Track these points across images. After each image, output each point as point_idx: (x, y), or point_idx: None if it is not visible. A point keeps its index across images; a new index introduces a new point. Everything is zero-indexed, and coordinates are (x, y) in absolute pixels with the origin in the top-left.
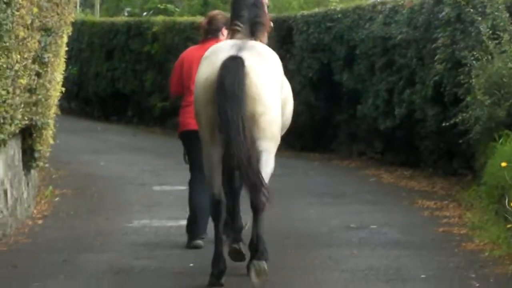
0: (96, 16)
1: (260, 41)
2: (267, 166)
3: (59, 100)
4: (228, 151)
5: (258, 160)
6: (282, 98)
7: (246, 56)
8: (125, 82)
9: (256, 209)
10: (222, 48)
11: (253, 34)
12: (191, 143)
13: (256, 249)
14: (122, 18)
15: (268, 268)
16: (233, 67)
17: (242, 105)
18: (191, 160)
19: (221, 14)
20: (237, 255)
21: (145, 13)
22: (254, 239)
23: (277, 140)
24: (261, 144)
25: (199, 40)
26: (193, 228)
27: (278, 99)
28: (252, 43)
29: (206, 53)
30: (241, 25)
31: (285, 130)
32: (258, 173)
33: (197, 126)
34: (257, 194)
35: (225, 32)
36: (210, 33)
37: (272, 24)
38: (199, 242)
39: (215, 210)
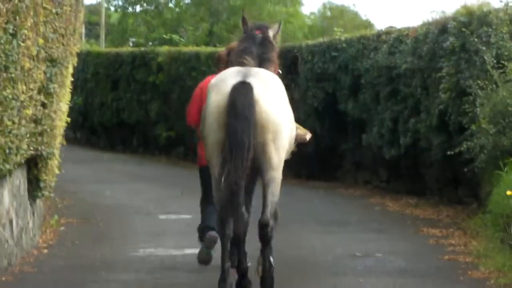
0: (101, 47)
1: None
2: (274, 196)
3: (64, 130)
4: (222, 170)
5: (248, 188)
6: (290, 125)
7: (253, 82)
8: (130, 112)
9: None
10: (229, 75)
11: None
12: (209, 177)
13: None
14: (127, 49)
15: None
16: (244, 91)
17: (251, 127)
18: (208, 192)
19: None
20: None
21: (150, 43)
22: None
23: (282, 167)
24: (267, 173)
25: (217, 70)
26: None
27: (286, 125)
28: (256, 69)
29: (213, 81)
30: (250, 60)
31: (288, 154)
32: (238, 204)
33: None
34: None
35: None
36: (229, 64)
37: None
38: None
39: (221, 227)
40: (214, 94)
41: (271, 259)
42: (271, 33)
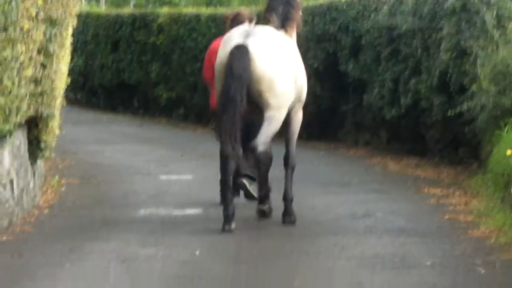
0: (102, 8)
1: (288, 33)
2: (266, 131)
3: (65, 91)
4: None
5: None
6: (292, 79)
7: (250, 42)
8: (131, 73)
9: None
10: (232, 36)
11: (283, 26)
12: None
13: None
14: (127, 10)
15: (274, 254)
16: (238, 55)
17: (245, 86)
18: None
19: (246, 11)
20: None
21: (151, 5)
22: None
23: (283, 110)
24: (266, 113)
25: (224, 31)
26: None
27: (284, 75)
28: (260, 28)
29: (224, 38)
30: (275, 17)
31: (300, 101)
32: (236, 144)
33: None
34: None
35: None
36: (234, 26)
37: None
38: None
39: (224, 163)
40: (221, 50)
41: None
42: None
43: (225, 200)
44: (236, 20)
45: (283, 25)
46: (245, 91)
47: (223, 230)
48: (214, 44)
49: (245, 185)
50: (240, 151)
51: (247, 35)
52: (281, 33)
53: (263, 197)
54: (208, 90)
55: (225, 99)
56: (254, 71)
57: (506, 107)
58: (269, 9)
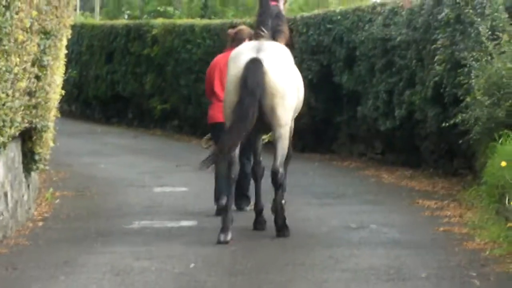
0: (96, 19)
1: None
2: (283, 149)
3: (59, 103)
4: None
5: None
6: (295, 90)
7: (263, 57)
8: (125, 85)
9: (276, 184)
10: (244, 50)
11: (274, 39)
12: (216, 132)
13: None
14: (121, 21)
15: (269, 266)
16: (254, 68)
17: (257, 100)
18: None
19: (247, 29)
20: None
21: (145, 16)
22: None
23: (290, 126)
24: (276, 131)
25: (228, 47)
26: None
27: (292, 90)
28: (268, 43)
29: (232, 55)
30: (265, 31)
31: (297, 113)
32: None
33: (222, 119)
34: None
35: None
36: (235, 42)
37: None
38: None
39: (229, 169)
40: (232, 66)
41: (283, 201)
42: (281, 1)
43: (226, 206)
44: (238, 36)
45: (274, 37)
46: (257, 105)
47: (219, 241)
48: (215, 60)
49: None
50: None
51: (259, 49)
52: (285, 47)
53: (261, 210)
54: (203, 102)
55: (239, 112)
56: (268, 85)
57: (501, 119)
58: (259, 23)
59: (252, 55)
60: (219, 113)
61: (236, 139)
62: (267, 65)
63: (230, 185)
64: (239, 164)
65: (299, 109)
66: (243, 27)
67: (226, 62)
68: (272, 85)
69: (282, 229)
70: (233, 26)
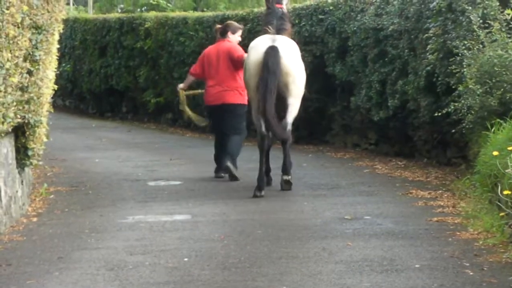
0: (89, 13)
1: None
2: (292, 113)
3: (53, 98)
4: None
5: (284, 111)
6: (303, 74)
7: (278, 45)
8: (119, 79)
9: (283, 142)
10: (262, 40)
11: (278, 34)
12: (211, 113)
13: (285, 167)
14: (114, 15)
15: (263, 259)
16: (273, 53)
17: (277, 78)
18: (211, 123)
19: (232, 24)
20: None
21: (138, 10)
22: (285, 161)
23: (300, 97)
24: (289, 100)
25: (216, 39)
26: (218, 164)
27: (301, 71)
28: (279, 36)
29: (252, 44)
30: (272, 29)
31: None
32: (276, 124)
33: (215, 103)
34: (281, 134)
35: (230, 35)
36: (222, 35)
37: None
38: (221, 174)
39: (261, 142)
40: (253, 53)
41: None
42: (285, 2)
43: (260, 173)
44: (224, 30)
45: (278, 34)
46: (276, 83)
47: (255, 195)
48: (208, 49)
49: (229, 167)
50: (276, 128)
51: (274, 40)
52: (292, 40)
53: (289, 169)
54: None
55: (264, 89)
56: (284, 66)
57: (493, 108)
58: (266, 22)
59: (270, 43)
60: (209, 97)
61: (269, 108)
62: (282, 52)
63: (262, 155)
64: (267, 139)
65: (303, 91)
66: (229, 22)
67: (216, 52)
68: (286, 67)
69: (287, 183)
70: (225, 18)
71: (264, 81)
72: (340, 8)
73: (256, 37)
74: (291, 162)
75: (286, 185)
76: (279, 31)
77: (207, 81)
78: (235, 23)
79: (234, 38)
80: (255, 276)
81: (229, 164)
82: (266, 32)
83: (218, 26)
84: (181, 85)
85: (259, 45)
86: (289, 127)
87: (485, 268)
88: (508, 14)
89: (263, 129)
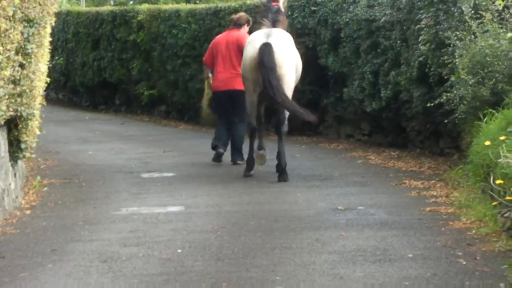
0: (82, 6)
1: None
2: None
3: (46, 91)
4: (265, 98)
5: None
6: (295, 63)
7: (272, 41)
8: (112, 71)
9: (278, 132)
10: (258, 36)
11: (274, 27)
12: (217, 99)
13: (279, 159)
14: (107, 7)
15: (256, 250)
16: (267, 50)
17: (275, 71)
18: (217, 108)
19: (245, 15)
20: (261, 159)
21: (131, 2)
22: (280, 152)
23: (292, 89)
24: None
25: (229, 27)
26: (216, 142)
27: (293, 65)
28: (275, 30)
29: (248, 39)
30: (267, 21)
31: (297, 82)
32: (292, 104)
33: (222, 89)
34: (308, 116)
35: (245, 27)
36: (236, 25)
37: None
38: (220, 150)
39: (251, 133)
40: (249, 48)
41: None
42: (281, 0)
43: (249, 156)
44: (239, 20)
45: (274, 26)
46: (276, 75)
47: (244, 175)
48: (217, 38)
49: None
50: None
51: (268, 36)
52: (288, 34)
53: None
54: (190, 87)
55: (266, 84)
56: (277, 60)
57: (485, 98)
58: (262, 16)
59: (264, 40)
60: (218, 82)
61: (284, 97)
62: (275, 47)
63: (252, 141)
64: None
65: (298, 78)
66: (242, 14)
67: (225, 40)
68: (279, 61)
69: (283, 173)
70: (217, 10)
71: (266, 79)
72: (333, 0)
73: (251, 29)
74: (285, 163)
75: (281, 177)
76: (274, 23)
77: (216, 67)
78: (247, 15)
79: (245, 30)
80: (249, 267)
81: (239, 162)
82: (262, 25)
83: (235, 16)
84: (207, 75)
85: (255, 41)
86: (286, 115)
87: (478, 257)
88: (500, 5)
89: (253, 120)
